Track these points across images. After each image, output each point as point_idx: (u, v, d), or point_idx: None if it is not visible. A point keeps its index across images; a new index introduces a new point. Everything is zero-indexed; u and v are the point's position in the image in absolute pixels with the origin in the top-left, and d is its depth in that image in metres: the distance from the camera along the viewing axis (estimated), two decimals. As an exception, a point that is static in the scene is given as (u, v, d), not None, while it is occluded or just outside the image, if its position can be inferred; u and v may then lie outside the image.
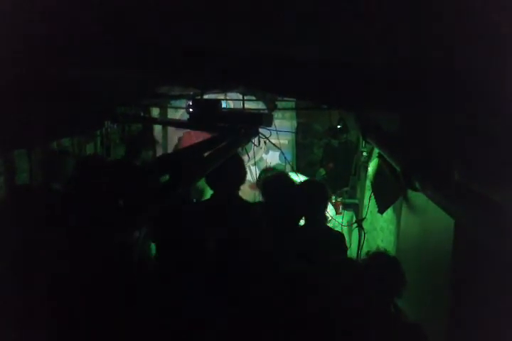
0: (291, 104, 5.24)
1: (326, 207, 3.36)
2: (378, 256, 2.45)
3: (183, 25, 1.10)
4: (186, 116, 4.35)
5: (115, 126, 4.96)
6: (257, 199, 3.86)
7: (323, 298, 1.76)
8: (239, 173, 3.25)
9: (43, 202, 2.25)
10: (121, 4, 0.94)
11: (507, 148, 1.49)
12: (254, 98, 4.88)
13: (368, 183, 4.02)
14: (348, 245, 3.41)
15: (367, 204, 3.82)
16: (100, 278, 1.53)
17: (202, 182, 3.71)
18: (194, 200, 3.83)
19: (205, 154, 3.24)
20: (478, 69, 1.26)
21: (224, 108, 4.49)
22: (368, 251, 2.62)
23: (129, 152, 4.39)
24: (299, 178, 3.79)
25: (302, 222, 3.33)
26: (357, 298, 2.18)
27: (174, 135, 6.44)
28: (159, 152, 5.91)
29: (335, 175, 5.59)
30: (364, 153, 4.39)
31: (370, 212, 3.83)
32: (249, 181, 4.93)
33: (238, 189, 3.25)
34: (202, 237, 2.40)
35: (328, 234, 3.20)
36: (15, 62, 1.29)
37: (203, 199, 3.90)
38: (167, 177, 2.56)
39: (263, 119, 4.03)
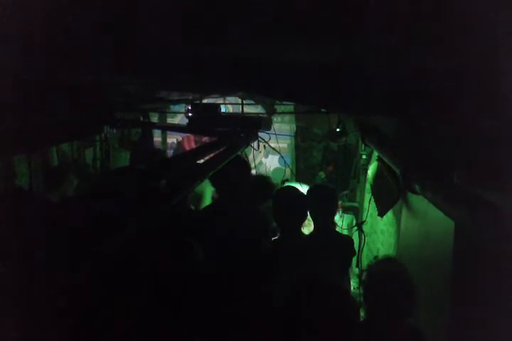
0: (290, 107, 5.25)
1: (335, 212, 3.37)
2: (386, 264, 2.42)
3: (182, 28, 1.11)
4: (185, 121, 4.37)
5: (114, 131, 4.97)
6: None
7: (325, 301, 1.76)
8: (245, 176, 3.26)
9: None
10: (119, 7, 0.95)
11: (506, 150, 1.49)
12: (253, 102, 4.89)
13: (368, 186, 4.02)
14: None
15: (367, 207, 3.82)
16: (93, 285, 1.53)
17: (200, 188, 3.71)
18: (192, 207, 3.82)
19: (205, 159, 3.25)
20: (478, 70, 1.27)
21: (223, 112, 4.50)
22: (376, 256, 2.59)
23: (133, 159, 4.40)
24: (302, 188, 3.81)
25: (311, 227, 3.36)
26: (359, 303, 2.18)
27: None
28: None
29: (334, 178, 5.61)
30: (363, 156, 4.40)
31: (370, 215, 3.82)
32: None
33: (243, 192, 3.25)
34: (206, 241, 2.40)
35: (337, 239, 3.20)
36: (14, 65, 1.29)
37: (201, 204, 3.89)
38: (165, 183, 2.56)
39: (262, 123, 4.04)
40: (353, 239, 3.35)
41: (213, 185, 3.27)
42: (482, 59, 1.16)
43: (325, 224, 3.20)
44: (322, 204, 3.20)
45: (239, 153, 3.73)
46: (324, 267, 2.33)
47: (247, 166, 3.40)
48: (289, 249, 2.87)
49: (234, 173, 3.11)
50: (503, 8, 0.88)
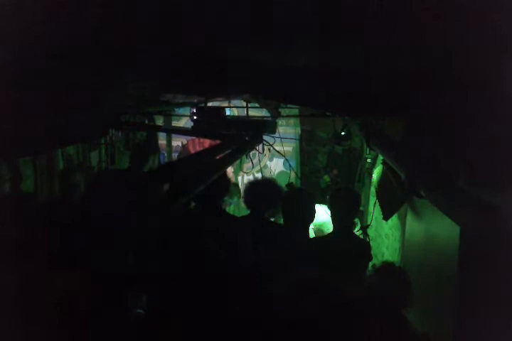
0: (295, 111, 5.24)
1: (356, 215, 3.36)
2: (385, 268, 2.42)
3: (185, 31, 1.11)
4: (190, 124, 4.37)
5: (120, 134, 4.98)
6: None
7: (328, 304, 1.74)
8: (222, 188, 3.22)
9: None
10: (123, 10, 0.95)
11: (508, 151, 1.48)
12: (257, 105, 4.89)
13: (373, 190, 4.01)
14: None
15: (371, 210, 3.80)
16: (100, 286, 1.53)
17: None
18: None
19: (210, 161, 3.25)
20: (478, 71, 1.26)
21: (228, 115, 4.50)
22: (374, 264, 2.58)
23: (134, 160, 4.40)
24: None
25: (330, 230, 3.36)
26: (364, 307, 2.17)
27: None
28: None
29: (339, 182, 5.58)
30: (368, 160, 4.39)
31: (375, 218, 3.81)
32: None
33: (218, 200, 3.23)
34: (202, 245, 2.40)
35: (354, 242, 3.18)
36: (19, 67, 1.30)
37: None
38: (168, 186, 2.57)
39: (267, 126, 4.04)
40: (370, 244, 3.32)
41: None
42: (483, 60, 1.15)
43: (344, 226, 3.20)
44: (344, 207, 3.19)
45: (244, 156, 3.72)
46: (335, 269, 2.32)
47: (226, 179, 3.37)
48: (299, 249, 2.87)
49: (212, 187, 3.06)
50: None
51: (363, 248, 3.17)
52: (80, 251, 1.46)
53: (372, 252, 3.49)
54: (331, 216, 3.28)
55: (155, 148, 4.78)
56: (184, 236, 2.45)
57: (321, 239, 3.35)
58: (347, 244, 3.06)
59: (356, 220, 3.55)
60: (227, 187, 3.24)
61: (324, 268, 2.09)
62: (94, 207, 1.89)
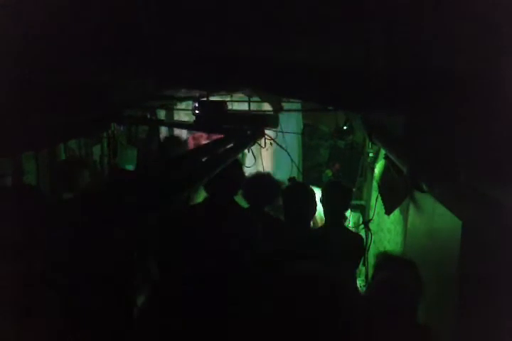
0: (297, 105, 5.23)
1: (347, 209, 3.38)
2: (393, 260, 2.38)
3: (186, 26, 1.10)
4: (192, 118, 4.37)
5: (122, 128, 4.98)
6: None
7: (328, 298, 1.74)
8: (237, 180, 3.21)
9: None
10: (122, 5, 0.94)
11: (508, 147, 1.48)
12: (259, 99, 4.88)
13: (375, 184, 4.01)
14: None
15: (373, 205, 3.81)
16: (99, 279, 1.53)
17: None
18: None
19: (211, 156, 3.24)
20: (479, 69, 1.25)
21: (230, 109, 4.49)
22: (380, 257, 2.53)
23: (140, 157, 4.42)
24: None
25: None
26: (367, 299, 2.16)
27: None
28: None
29: (341, 176, 5.59)
30: (370, 154, 4.39)
31: (377, 213, 3.81)
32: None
33: (235, 195, 3.22)
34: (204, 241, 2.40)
35: (347, 235, 3.20)
36: (20, 63, 1.30)
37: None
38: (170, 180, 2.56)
39: (269, 121, 4.04)
40: (362, 238, 3.34)
41: (205, 189, 3.17)
42: (484, 58, 1.14)
43: (336, 219, 3.21)
44: (336, 200, 3.22)
45: (246, 150, 3.71)
46: (331, 262, 2.30)
47: (241, 171, 3.31)
48: (298, 243, 2.88)
49: (227, 179, 3.00)
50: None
51: (355, 241, 3.19)
52: (83, 250, 1.47)
53: (368, 246, 3.52)
54: (323, 210, 3.30)
55: (179, 141, 4.72)
56: (185, 233, 2.46)
57: (313, 232, 3.37)
58: (338, 237, 3.07)
59: (348, 214, 3.58)
60: (240, 182, 3.24)
61: (316, 261, 2.08)
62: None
